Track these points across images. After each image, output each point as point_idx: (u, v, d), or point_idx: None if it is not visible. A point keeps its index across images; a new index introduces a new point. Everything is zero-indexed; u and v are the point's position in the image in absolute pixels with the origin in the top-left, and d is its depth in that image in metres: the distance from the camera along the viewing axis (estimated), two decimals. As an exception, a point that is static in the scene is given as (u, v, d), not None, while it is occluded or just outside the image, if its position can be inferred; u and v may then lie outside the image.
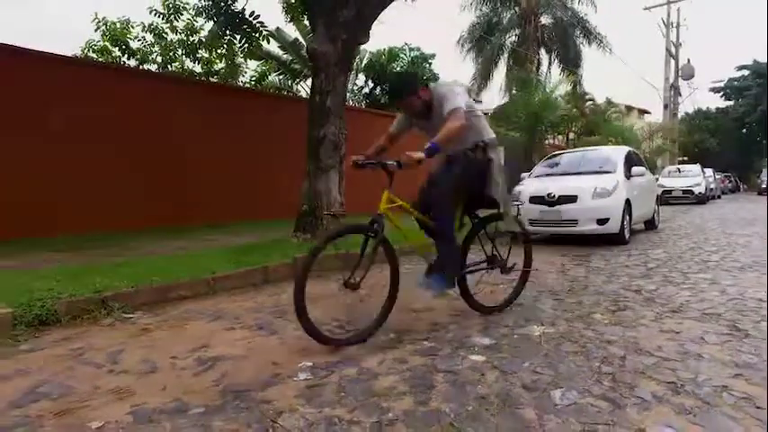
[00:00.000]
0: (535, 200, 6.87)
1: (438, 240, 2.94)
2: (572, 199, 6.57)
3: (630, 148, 8.77)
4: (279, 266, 4.37)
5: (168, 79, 8.56)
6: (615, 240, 6.61)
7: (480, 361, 2.34)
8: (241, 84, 10.21)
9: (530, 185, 7.38)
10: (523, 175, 8.36)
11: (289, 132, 8.36)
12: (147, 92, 7.24)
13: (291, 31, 11.01)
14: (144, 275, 3.76)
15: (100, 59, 8.73)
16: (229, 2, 6.99)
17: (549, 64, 21.19)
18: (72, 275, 3.74)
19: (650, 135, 24.31)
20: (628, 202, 6.79)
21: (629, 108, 33.42)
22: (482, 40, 20.49)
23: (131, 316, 3.26)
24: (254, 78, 10.65)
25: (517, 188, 7.48)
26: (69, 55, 8.34)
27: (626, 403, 1.85)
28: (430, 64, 13.15)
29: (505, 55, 20.94)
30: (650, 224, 8.69)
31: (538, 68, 19.60)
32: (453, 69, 31.08)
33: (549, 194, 6.72)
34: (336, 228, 2.75)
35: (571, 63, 20.29)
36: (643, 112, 38.18)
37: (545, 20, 21.13)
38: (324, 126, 5.35)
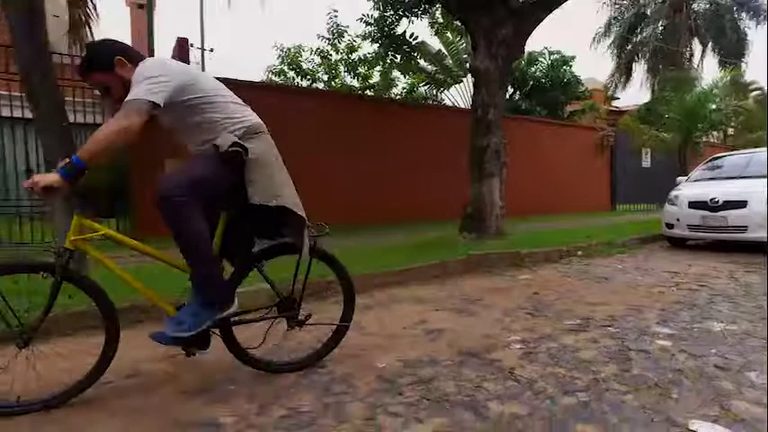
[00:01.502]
0: (695, 205, 6.71)
1: (186, 258, 2.06)
2: (740, 204, 6.31)
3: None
4: (454, 262, 5.03)
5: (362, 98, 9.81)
6: (795, 249, 6.20)
7: (668, 345, 2.72)
8: (393, 95, 11.26)
9: (688, 190, 7.19)
10: (680, 178, 8.11)
11: (438, 139, 9.11)
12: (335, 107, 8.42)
13: (435, 43, 11.78)
14: (348, 265, 4.63)
15: (279, 81, 10.37)
16: (392, 27, 7.91)
17: (702, 55, 19.42)
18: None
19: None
20: (811, 207, 6.31)
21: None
22: (621, 35, 19.48)
23: (349, 296, 4.12)
24: (404, 90, 11.67)
25: (673, 192, 7.33)
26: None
27: (821, 385, 2.13)
28: (570, 66, 13.04)
29: (649, 49, 19.64)
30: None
31: (690, 61, 18.11)
32: (593, 69, 29.74)
33: (711, 199, 6.53)
34: None
35: (732, 50, 18.37)
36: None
37: (698, 5, 19.41)
38: (487, 136, 5.94)
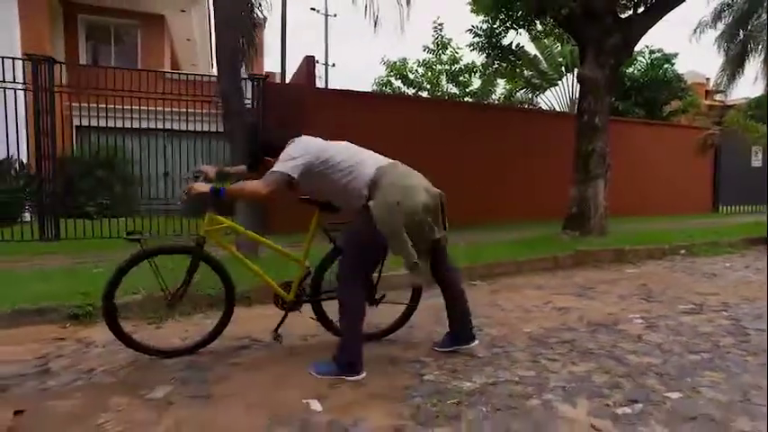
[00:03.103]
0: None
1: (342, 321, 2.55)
2: None
3: None
4: (564, 256, 5.55)
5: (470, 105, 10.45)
6: None
7: (782, 327, 3.11)
8: (491, 101, 11.81)
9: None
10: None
11: (534, 142, 9.51)
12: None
13: (530, 49, 12.12)
14: (470, 257, 5.29)
15: (387, 91, 11.34)
16: (499, 37, 8.49)
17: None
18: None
19: None
20: None
21: None
22: (733, 25, 18.28)
23: (475, 283, 4.77)
24: (501, 95, 12.18)
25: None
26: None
27: None
28: (672, 64, 12.78)
29: (765, 37, 18.26)
30: None
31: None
32: (692, 61, 28.05)
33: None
34: (151, 247, 2.59)
35: None
36: None
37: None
38: (593, 141, 6.35)
